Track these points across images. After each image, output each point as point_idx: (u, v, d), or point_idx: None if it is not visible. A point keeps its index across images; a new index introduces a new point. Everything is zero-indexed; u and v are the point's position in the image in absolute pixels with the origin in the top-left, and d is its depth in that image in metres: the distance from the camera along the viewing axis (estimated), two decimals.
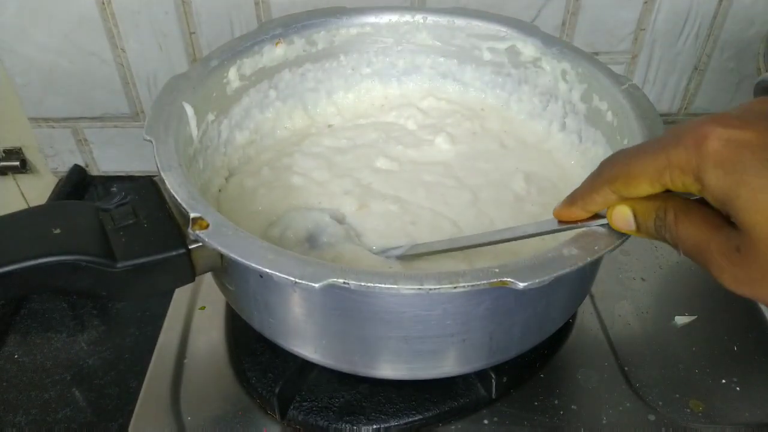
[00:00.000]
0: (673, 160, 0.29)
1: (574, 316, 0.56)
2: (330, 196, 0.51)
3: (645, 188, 0.31)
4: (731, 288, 0.29)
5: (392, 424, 0.48)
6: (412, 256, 0.45)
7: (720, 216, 0.29)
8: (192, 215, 0.37)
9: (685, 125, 0.29)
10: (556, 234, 0.39)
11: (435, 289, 0.34)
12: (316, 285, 0.34)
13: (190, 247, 0.40)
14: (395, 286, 0.34)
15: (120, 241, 0.39)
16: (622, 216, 0.34)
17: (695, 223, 0.30)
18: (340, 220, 0.49)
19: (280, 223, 0.48)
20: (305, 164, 0.55)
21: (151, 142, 0.43)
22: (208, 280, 0.54)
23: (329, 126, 0.60)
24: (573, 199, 0.36)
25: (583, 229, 0.37)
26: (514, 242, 0.41)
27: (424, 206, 0.50)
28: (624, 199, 0.33)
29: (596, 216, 0.36)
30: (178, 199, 0.39)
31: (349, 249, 0.45)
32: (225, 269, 0.43)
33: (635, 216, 0.33)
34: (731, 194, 0.27)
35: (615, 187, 0.33)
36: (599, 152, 0.52)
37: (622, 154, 0.33)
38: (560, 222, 0.38)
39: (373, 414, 0.48)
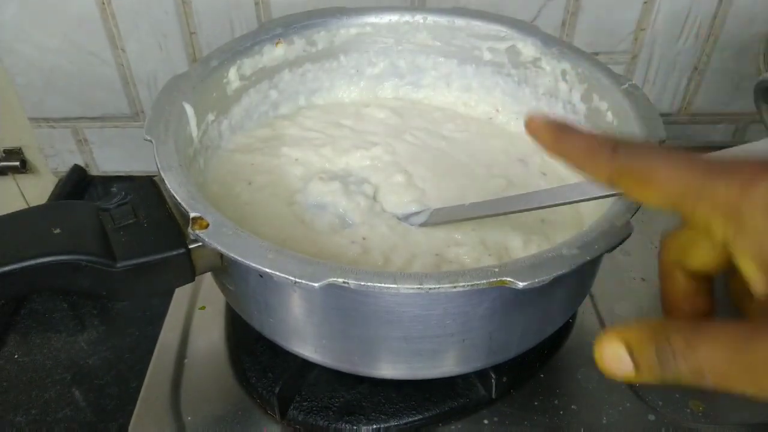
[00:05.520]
0: (706, 189, 0.23)
1: (574, 316, 0.56)
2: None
3: (653, 197, 0.25)
4: None
5: (392, 424, 0.48)
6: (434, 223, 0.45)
7: (743, 323, 0.22)
8: (192, 215, 0.37)
9: (732, 157, 0.24)
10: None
11: (434, 288, 0.34)
12: (316, 285, 0.34)
13: (189, 246, 0.40)
14: (395, 286, 0.34)
15: (120, 240, 0.39)
16: (614, 356, 0.24)
17: (717, 338, 0.22)
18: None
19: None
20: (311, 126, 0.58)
21: (151, 142, 0.43)
22: (208, 280, 0.54)
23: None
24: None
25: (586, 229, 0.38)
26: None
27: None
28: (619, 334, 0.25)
29: None
30: (178, 199, 0.39)
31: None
32: (225, 269, 0.43)
33: (630, 352, 0.24)
34: None
35: (627, 177, 0.26)
36: None
37: (651, 147, 0.27)
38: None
39: (373, 414, 0.48)
